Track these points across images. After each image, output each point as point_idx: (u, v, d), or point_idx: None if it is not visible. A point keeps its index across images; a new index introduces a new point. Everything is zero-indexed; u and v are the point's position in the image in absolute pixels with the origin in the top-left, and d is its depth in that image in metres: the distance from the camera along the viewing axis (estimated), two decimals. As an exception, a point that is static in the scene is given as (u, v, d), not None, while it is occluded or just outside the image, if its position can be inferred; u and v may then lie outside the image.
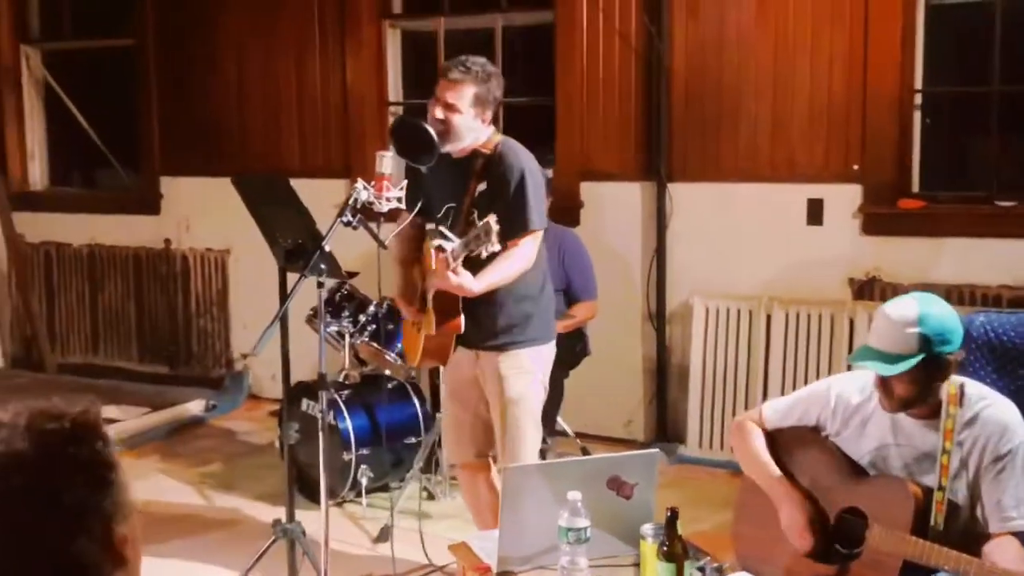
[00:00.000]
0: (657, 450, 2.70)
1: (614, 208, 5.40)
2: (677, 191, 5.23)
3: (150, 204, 6.54)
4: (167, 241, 6.55)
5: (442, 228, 3.38)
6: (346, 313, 4.70)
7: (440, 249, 3.28)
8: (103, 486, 1.19)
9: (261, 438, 5.57)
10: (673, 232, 5.27)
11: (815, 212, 4.98)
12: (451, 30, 5.80)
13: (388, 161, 3.35)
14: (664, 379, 5.38)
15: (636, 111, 5.28)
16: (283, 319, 3.52)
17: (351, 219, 3.26)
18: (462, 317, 3.43)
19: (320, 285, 3.31)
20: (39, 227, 6.97)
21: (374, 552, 4.23)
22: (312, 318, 4.78)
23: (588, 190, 5.45)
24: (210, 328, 6.50)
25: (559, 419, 5.22)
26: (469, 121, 3.37)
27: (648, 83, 5.22)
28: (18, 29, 6.92)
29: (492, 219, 3.09)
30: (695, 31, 5.11)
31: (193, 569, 4.00)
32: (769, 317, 5.04)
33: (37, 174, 7.11)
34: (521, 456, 3.43)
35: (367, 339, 4.65)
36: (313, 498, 4.68)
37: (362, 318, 4.67)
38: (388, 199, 3.33)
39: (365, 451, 4.53)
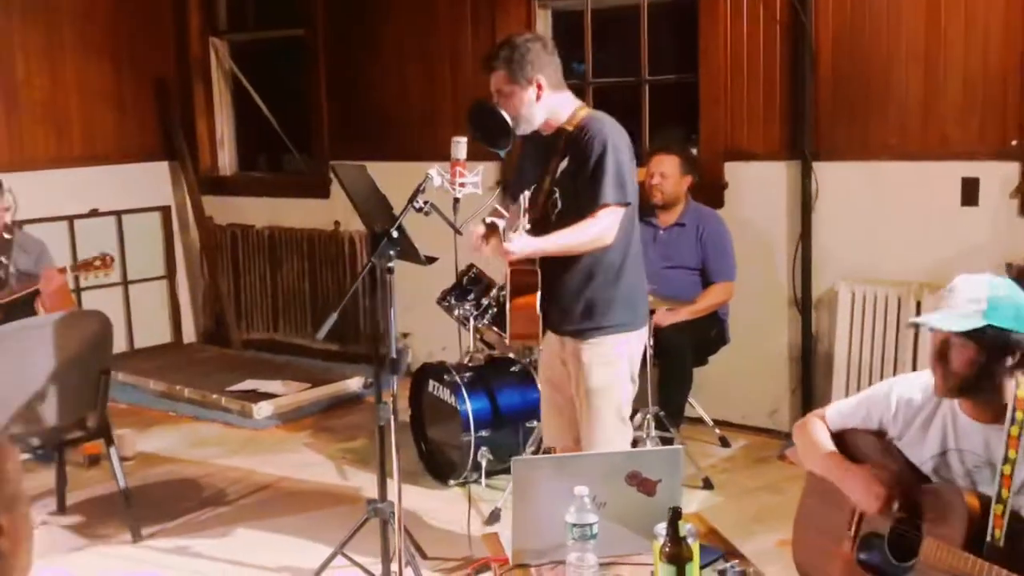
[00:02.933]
0: (681, 447, 2.59)
1: (758, 189, 5.19)
2: (823, 171, 4.97)
3: (321, 188, 6.81)
4: (336, 223, 6.80)
5: (495, 204, 3.39)
6: (471, 296, 4.74)
7: (493, 226, 3.29)
8: None
9: (408, 416, 5.69)
10: (819, 214, 5.01)
11: (970, 192, 4.62)
12: (597, 8, 5.72)
13: (462, 147, 3.35)
14: (809, 368, 5.14)
15: (781, 88, 5.05)
16: (352, 298, 3.58)
17: (422, 205, 3.29)
18: (538, 294, 3.39)
19: (390, 271, 3.35)
20: (227, 210, 7.39)
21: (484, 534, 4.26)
22: (440, 300, 4.85)
23: (732, 170, 5.26)
24: (376, 307, 6.69)
25: (695, 405, 5.11)
26: (521, 96, 3.36)
27: (794, 58, 4.97)
28: (207, 22, 7.34)
29: (523, 196, 3.13)
30: (842, 2, 4.82)
31: (301, 544, 4.14)
32: (919, 304, 4.72)
33: (226, 160, 7.53)
34: (602, 448, 3.36)
35: (487, 322, 4.67)
36: (440, 478, 4.79)
37: (484, 301, 4.70)
38: (462, 184, 3.33)
39: (484, 433, 4.55)
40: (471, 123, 3.42)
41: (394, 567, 3.61)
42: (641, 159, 5.13)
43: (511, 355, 4.82)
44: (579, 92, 5.82)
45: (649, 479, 2.46)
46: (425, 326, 6.08)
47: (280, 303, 7.21)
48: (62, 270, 4.59)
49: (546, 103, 3.42)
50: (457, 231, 3.40)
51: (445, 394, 4.67)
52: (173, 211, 7.44)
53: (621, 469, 2.45)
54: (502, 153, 3.42)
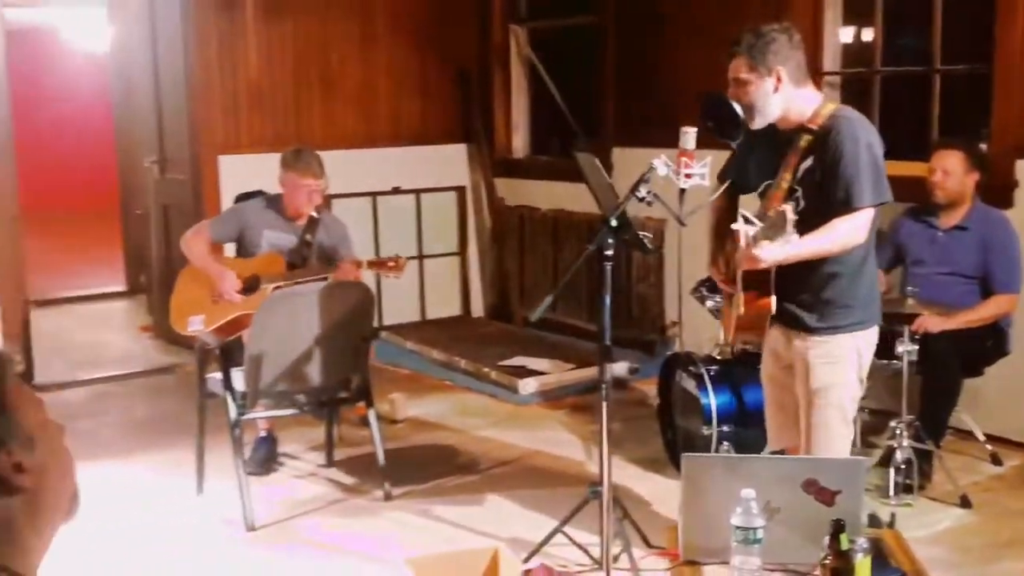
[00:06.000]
0: (864, 458, 2.46)
1: (1053, 189, 4.77)
2: None
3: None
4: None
5: (745, 212, 3.31)
6: (723, 288, 4.68)
7: (745, 234, 3.22)
8: None
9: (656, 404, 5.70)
10: (1121, 219, 4.54)
11: None
12: (890, -6, 5.46)
13: (691, 137, 3.33)
14: (1100, 387, 4.68)
15: (1086, 78, 4.61)
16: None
17: (644, 195, 3.30)
18: (773, 298, 3.32)
19: (607, 259, 3.38)
20: (517, 191, 7.65)
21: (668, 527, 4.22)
22: (694, 291, 4.82)
23: (1024, 168, 4.87)
24: (647, 294, 6.75)
25: (966, 418, 4.79)
26: (759, 86, 3.29)
27: (1101, 46, 4.53)
28: (509, 11, 7.62)
29: (787, 208, 3.00)
30: None
31: (534, 518, 4.26)
32: None
33: (519, 143, 7.80)
34: (825, 451, 3.25)
35: (736, 316, 4.59)
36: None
37: (736, 294, 4.62)
38: (688, 175, 3.31)
39: (727, 428, 4.49)
40: (703, 114, 3.39)
41: (614, 550, 3.67)
42: (928, 154, 4.87)
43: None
44: (866, 81, 5.61)
45: (827, 488, 2.37)
46: (695, 315, 6.04)
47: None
48: (359, 264, 4.79)
49: (784, 96, 3.33)
50: (682, 222, 3.39)
51: (690, 385, 4.64)
52: (468, 191, 7.80)
53: (797, 476, 2.38)
54: (734, 144, 3.37)
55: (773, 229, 3.01)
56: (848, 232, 3.23)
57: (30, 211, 7.15)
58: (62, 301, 8.92)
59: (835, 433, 3.31)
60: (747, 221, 3.18)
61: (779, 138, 3.38)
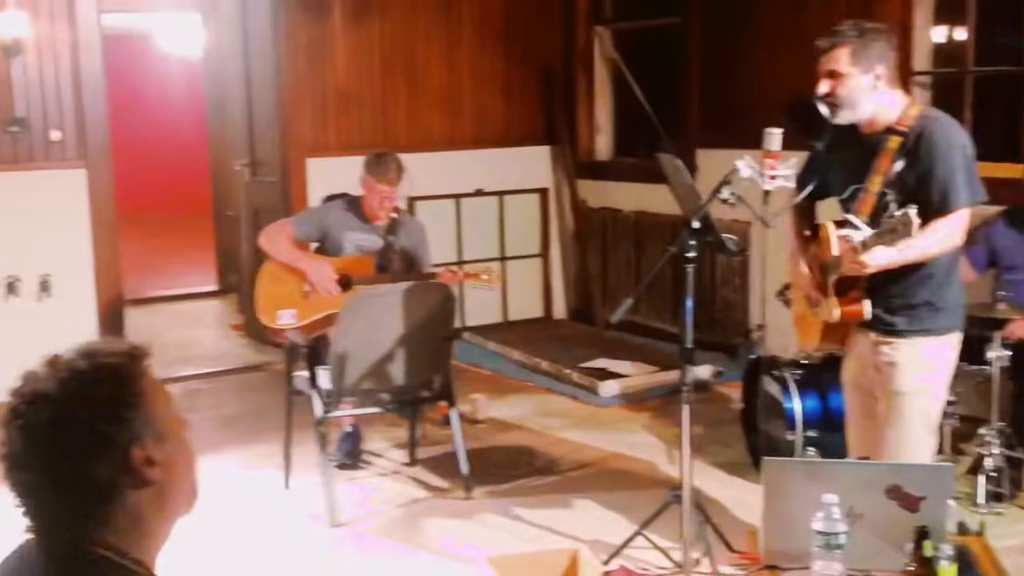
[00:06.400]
0: (951, 465, 2.42)
1: None
2: None
3: (687, 175, 6.85)
4: (700, 211, 6.83)
5: (850, 217, 3.25)
6: (811, 292, 4.63)
7: (846, 239, 3.16)
8: (119, 421, 1.40)
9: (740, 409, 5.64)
10: None
11: None
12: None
13: (775, 138, 3.30)
14: None
15: None
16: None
17: (727, 196, 3.29)
18: (867, 304, 3.28)
19: (690, 261, 3.37)
20: (600, 193, 7.65)
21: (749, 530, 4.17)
22: (779, 294, 4.77)
23: (1124, 169, 4.72)
24: (731, 297, 6.69)
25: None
26: (857, 81, 3.23)
27: None
28: (592, 12, 7.62)
29: (912, 212, 2.92)
30: None
31: (614, 521, 4.27)
32: None
33: (603, 145, 7.79)
34: (903, 457, 3.20)
35: (822, 319, 4.53)
36: (765, 472, 4.73)
37: (822, 297, 4.56)
38: (773, 177, 3.28)
39: (812, 433, 4.44)
40: (789, 115, 3.36)
41: (694, 554, 3.66)
42: (1021, 155, 4.76)
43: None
44: (957, 81, 5.49)
45: (912, 495, 2.34)
46: (780, 318, 5.98)
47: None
48: (454, 273, 4.83)
49: (878, 96, 3.28)
50: (766, 224, 3.36)
51: (774, 389, 4.60)
52: (551, 193, 7.82)
53: (881, 482, 2.35)
54: (819, 145, 3.33)
55: (894, 234, 2.95)
56: (949, 234, 3.20)
57: (126, 213, 7.35)
58: (156, 300, 9.15)
59: (918, 440, 3.25)
60: (846, 225, 3.13)
61: (863, 141, 3.32)
